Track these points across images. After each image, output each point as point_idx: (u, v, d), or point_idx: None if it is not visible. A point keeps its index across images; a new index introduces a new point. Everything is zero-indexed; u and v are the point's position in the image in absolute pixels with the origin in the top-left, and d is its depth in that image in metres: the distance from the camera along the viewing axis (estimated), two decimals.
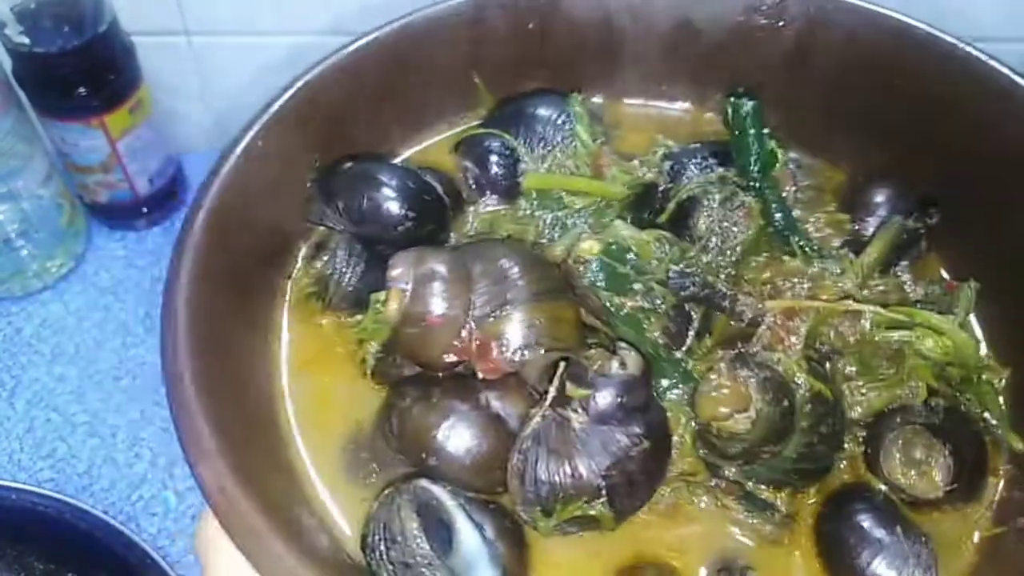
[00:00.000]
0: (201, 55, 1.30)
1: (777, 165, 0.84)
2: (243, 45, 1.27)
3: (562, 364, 0.71)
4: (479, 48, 1.00)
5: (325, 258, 0.86)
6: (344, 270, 0.85)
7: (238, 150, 0.84)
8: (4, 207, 1.02)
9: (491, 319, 0.71)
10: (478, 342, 0.71)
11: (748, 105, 0.84)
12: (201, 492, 0.63)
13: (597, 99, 1.07)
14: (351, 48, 0.93)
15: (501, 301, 0.72)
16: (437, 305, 0.71)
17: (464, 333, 0.71)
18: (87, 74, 1.03)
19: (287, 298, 0.87)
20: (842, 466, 0.79)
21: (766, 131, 0.88)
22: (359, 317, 0.84)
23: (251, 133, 0.85)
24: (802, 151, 1.00)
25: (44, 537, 0.88)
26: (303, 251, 0.90)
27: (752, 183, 0.83)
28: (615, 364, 0.71)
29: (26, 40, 0.98)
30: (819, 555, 0.75)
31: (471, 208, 0.92)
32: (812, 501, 0.77)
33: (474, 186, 0.93)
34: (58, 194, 1.09)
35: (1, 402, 1.06)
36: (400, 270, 0.73)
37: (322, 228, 0.89)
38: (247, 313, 0.82)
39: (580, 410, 0.69)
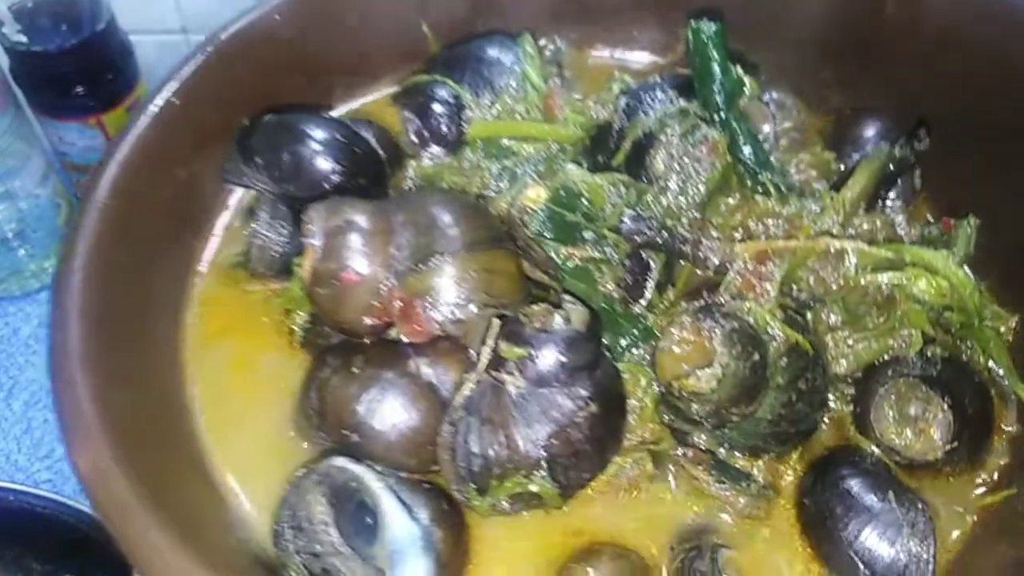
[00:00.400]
0: None
1: (746, 92, 0.74)
2: None
3: (496, 322, 0.62)
4: None
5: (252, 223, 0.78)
6: (268, 234, 0.76)
7: (151, 109, 0.77)
8: (1, 207, 1.00)
9: (415, 274, 0.63)
10: (400, 301, 0.63)
11: (711, 28, 0.74)
12: (74, 472, 0.56)
13: (560, 46, 0.98)
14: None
15: (427, 253, 0.63)
16: (351, 261, 0.63)
17: (384, 291, 0.63)
18: (85, 73, 1.00)
19: (203, 266, 0.79)
20: (828, 428, 0.70)
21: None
22: (286, 284, 0.76)
23: (165, 91, 0.78)
24: (783, 90, 0.91)
25: (42, 538, 0.85)
26: (226, 216, 0.82)
27: (717, 115, 0.74)
28: (558, 319, 0.62)
29: (24, 39, 0.96)
30: (802, 528, 0.66)
31: (412, 162, 0.83)
32: (794, 469, 0.68)
33: (415, 138, 0.85)
34: (55, 193, 1.06)
35: None
36: (311, 224, 0.64)
37: (253, 190, 0.81)
38: (156, 283, 0.74)
39: (517, 372, 0.60)
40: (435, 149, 0.84)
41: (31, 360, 1.04)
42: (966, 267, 0.75)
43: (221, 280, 0.78)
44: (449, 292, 0.63)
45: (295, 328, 0.74)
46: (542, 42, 0.96)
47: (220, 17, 1.17)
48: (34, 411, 0.99)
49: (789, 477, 0.68)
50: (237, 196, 0.84)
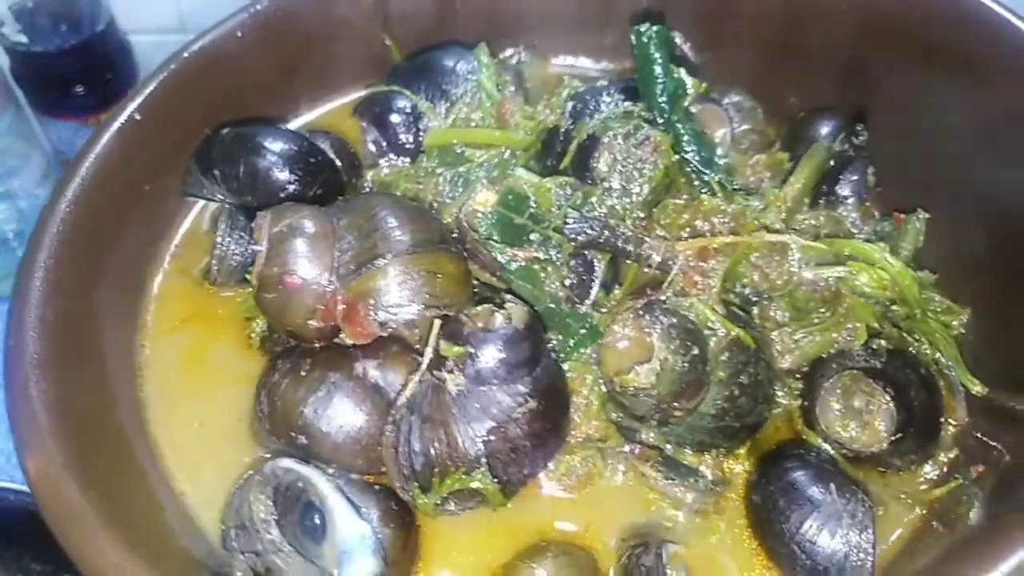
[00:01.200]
0: None
1: (689, 93, 0.75)
2: None
3: (437, 322, 0.63)
4: (386, 5, 0.94)
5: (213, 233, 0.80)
6: (228, 244, 0.78)
7: (113, 126, 0.79)
8: (1, 206, 1.01)
9: (358, 276, 0.64)
10: (344, 304, 0.64)
11: (651, 29, 0.75)
12: (24, 476, 0.57)
13: (523, 55, 1.00)
14: (245, 15, 0.88)
15: (371, 255, 0.64)
16: (295, 264, 0.64)
17: (328, 294, 0.64)
18: (84, 73, 1.03)
19: (163, 276, 0.80)
20: (778, 423, 0.71)
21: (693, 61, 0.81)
22: (243, 292, 0.77)
23: (129, 107, 0.80)
24: (742, 93, 0.92)
25: (42, 538, 0.85)
26: (187, 226, 0.83)
27: (661, 116, 0.75)
28: (499, 319, 0.63)
29: (24, 39, 0.99)
30: (750, 522, 0.66)
31: (370, 172, 0.84)
32: (744, 465, 0.69)
33: (374, 148, 0.86)
34: None
35: None
36: (258, 230, 0.66)
37: (213, 202, 0.83)
38: (115, 293, 0.76)
39: (457, 370, 0.61)
40: (393, 158, 0.85)
41: None
42: (913, 261, 0.75)
43: (182, 289, 0.80)
44: (392, 293, 0.64)
45: (255, 335, 0.75)
46: (508, 52, 0.98)
47: (218, 17, 1.20)
48: None
49: (738, 471, 0.69)
50: (199, 207, 0.85)
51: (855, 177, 0.82)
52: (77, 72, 1.02)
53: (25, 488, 0.85)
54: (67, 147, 1.09)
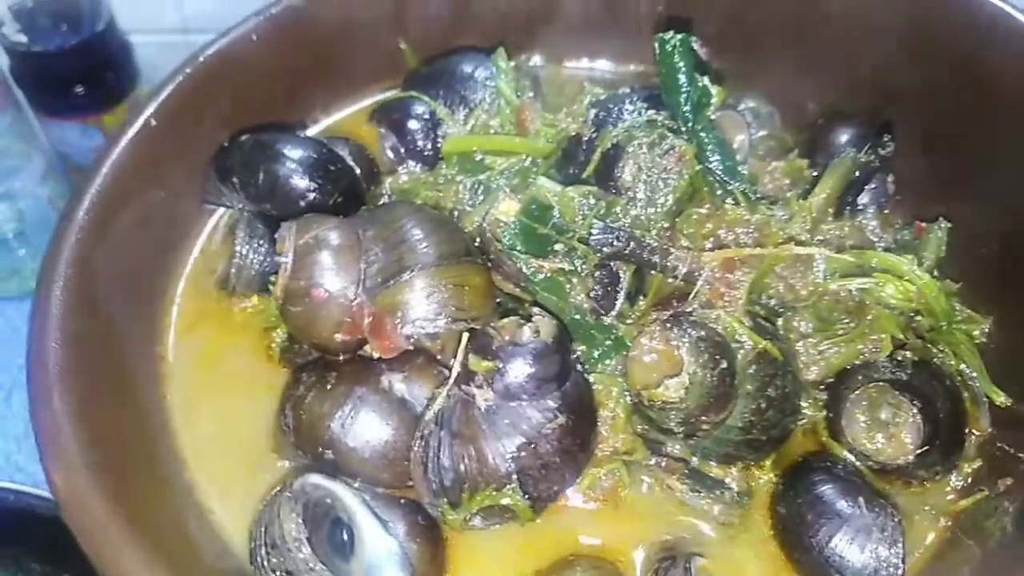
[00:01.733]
0: None
1: (713, 102, 0.74)
2: None
3: (465, 336, 0.63)
4: (403, 10, 0.93)
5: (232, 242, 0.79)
6: (246, 252, 0.77)
7: (129, 133, 0.78)
8: (1, 207, 1.01)
9: (385, 289, 0.64)
10: (371, 317, 0.63)
11: (676, 38, 0.75)
12: (51, 489, 0.57)
13: (538, 59, 0.99)
14: (259, 18, 0.87)
15: (397, 268, 0.64)
16: (321, 277, 0.63)
17: (355, 307, 0.64)
18: (85, 73, 1.02)
19: (184, 284, 0.80)
20: (803, 434, 0.70)
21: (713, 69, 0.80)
22: (263, 301, 0.77)
23: (144, 113, 0.79)
24: (760, 99, 0.92)
25: (42, 538, 0.86)
26: (206, 234, 0.83)
27: (684, 125, 0.74)
28: (527, 332, 0.63)
29: (24, 39, 0.98)
30: (776, 535, 0.66)
31: (388, 178, 0.84)
32: (768, 476, 0.69)
33: (392, 154, 0.86)
34: (56, 194, 1.07)
35: None
36: (283, 242, 0.65)
37: (232, 209, 0.82)
38: (136, 301, 0.75)
39: (485, 386, 0.61)
40: (412, 165, 0.85)
41: None
42: (935, 271, 0.75)
43: (201, 298, 0.79)
44: (419, 307, 0.63)
45: (275, 345, 0.75)
46: (522, 56, 0.98)
47: (220, 17, 1.20)
48: None
49: (763, 483, 0.68)
50: (218, 215, 0.84)
51: (874, 186, 0.82)
52: (77, 72, 1.01)
53: (25, 488, 0.85)
54: (67, 147, 1.08)
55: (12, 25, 0.98)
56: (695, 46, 0.92)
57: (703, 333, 0.64)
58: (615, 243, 0.68)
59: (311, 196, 0.76)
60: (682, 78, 0.74)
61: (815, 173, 0.83)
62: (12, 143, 0.99)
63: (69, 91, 1.01)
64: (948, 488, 0.68)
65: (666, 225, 0.71)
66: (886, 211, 0.82)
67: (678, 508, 0.67)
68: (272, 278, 0.69)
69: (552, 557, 0.65)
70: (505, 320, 0.64)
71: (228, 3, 1.19)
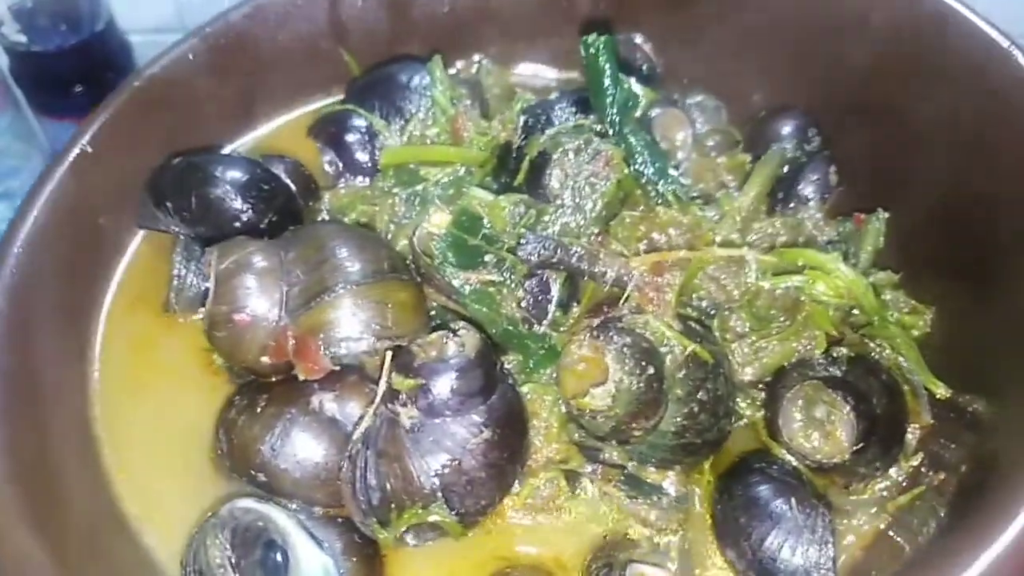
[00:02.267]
0: None
1: (640, 106, 0.74)
2: None
3: (388, 354, 0.62)
4: (342, 21, 0.93)
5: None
6: (184, 274, 0.77)
7: (65, 161, 0.78)
8: (1, 206, 1.01)
9: (308, 310, 0.64)
10: (294, 339, 0.63)
11: (599, 40, 0.74)
12: None
13: (484, 64, 0.99)
14: (195, 38, 0.87)
15: (320, 288, 0.64)
16: (243, 301, 0.63)
17: (278, 330, 0.64)
18: (84, 73, 1.02)
19: (120, 309, 0.79)
20: (744, 434, 0.70)
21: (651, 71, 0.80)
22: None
23: (80, 140, 0.80)
24: (706, 92, 0.91)
25: None
26: (142, 257, 0.83)
27: (612, 128, 0.74)
28: (452, 347, 0.62)
29: (23, 38, 0.98)
30: (714, 538, 0.66)
31: (328, 194, 0.84)
32: (708, 478, 0.68)
33: (330, 169, 0.85)
34: None
35: None
36: (207, 268, 0.65)
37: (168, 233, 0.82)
38: (72, 329, 0.76)
39: (410, 404, 0.60)
40: (351, 178, 0.85)
41: None
42: (876, 261, 0.75)
43: (140, 321, 0.79)
44: (343, 326, 0.63)
45: (217, 367, 0.75)
46: (466, 61, 0.98)
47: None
48: None
49: (702, 486, 0.68)
50: (155, 237, 0.84)
51: (816, 176, 0.81)
52: (77, 72, 1.02)
53: None
54: None
55: (12, 25, 0.99)
56: (638, 41, 0.93)
57: (629, 340, 0.64)
58: (542, 252, 0.67)
59: (245, 216, 0.76)
60: (607, 81, 0.74)
61: None
62: (11, 143, 1.00)
63: (68, 91, 1.02)
64: (888, 484, 0.67)
65: (596, 231, 0.71)
66: (829, 202, 0.81)
67: (616, 514, 0.67)
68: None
69: (491, 569, 0.65)
70: (431, 336, 0.64)
71: (227, 3, 1.20)
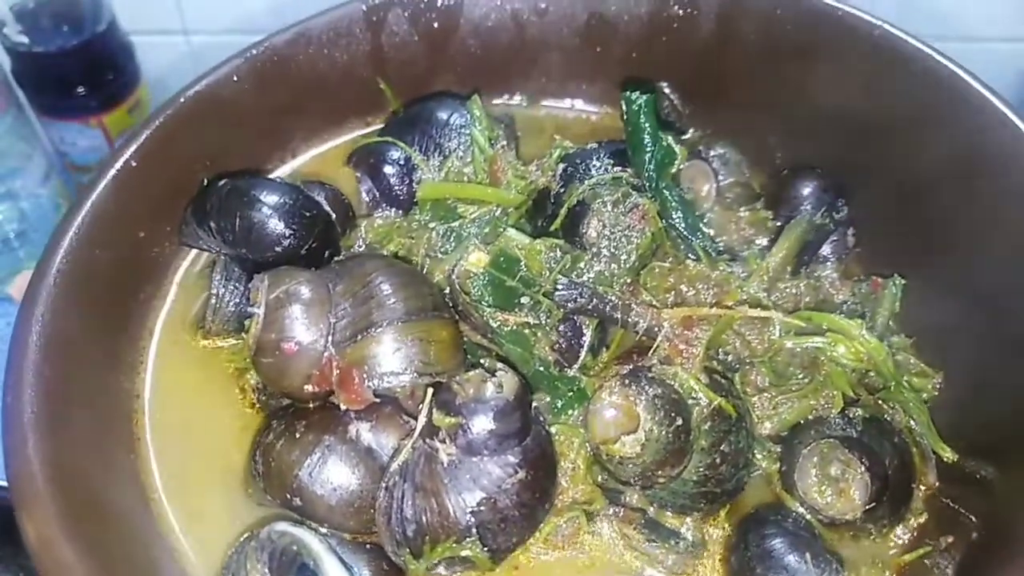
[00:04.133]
0: (200, 54, 1.28)
1: (676, 163, 0.77)
2: (241, 44, 1.26)
3: (430, 392, 0.65)
4: (381, 51, 0.96)
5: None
6: (222, 294, 0.79)
7: (109, 173, 0.80)
8: (3, 207, 1.02)
9: (353, 343, 0.66)
10: (338, 370, 0.65)
11: (641, 98, 0.77)
12: (23, 537, 0.58)
13: (516, 100, 1.02)
14: (240, 60, 0.89)
15: (366, 324, 0.66)
16: (291, 331, 0.65)
17: (323, 360, 0.66)
18: (86, 73, 1.03)
19: (160, 324, 0.81)
20: (758, 485, 0.73)
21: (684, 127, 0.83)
22: (237, 342, 0.79)
23: (125, 154, 0.81)
24: (729, 147, 0.94)
25: None
26: (182, 274, 0.85)
27: (648, 183, 0.77)
28: (490, 388, 0.65)
29: (25, 39, 0.99)
30: None
31: (364, 223, 0.86)
32: (723, 527, 0.71)
33: (368, 199, 0.88)
34: (57, 194, 1.08)
35: None
36: (255, 294, 0.67)
37: (208, 252, 0.84)
38: (112, 342, 0.77)
39: (449, 441, 0.63)
40: (386, 209, 0.87)
41: None
42: (888, 324, 0.78)
43: (176, 337, 0.81)
44: (386, 361, 0.65)
45: (248, 387, 0.77)
46: (504, 98, 1.00)
47: (220, 18, 1.22)
48: None
49: (718, 534, 0.71)
50: (194, 254, 0.86)
51: (835, 238, 0.84)
52: (78, 73, 1.02)
53: None
54: (68, 148, 1.09)
55: (14, 26, 0.99)
56: (665, 91, 0.96)
57: (660, 391, 0.66)
58: (578, 299, 0.70)
59: (286, 242, 0.78)
60: (647, 138, 0.77)
61: (778, 223, 0.85)
62: (13, 143, 1.00)
63: (70, 92, 1.03)
64: (894, 541, 0.70)
65: (628, 280, 0.74)
66: (845, 263, 0.85)
67: (633, 556, 0.69)
68: (247, 321, 0.71)
69: None
70: (470, 374, 0.66)
71: (228, 4, 1.21)
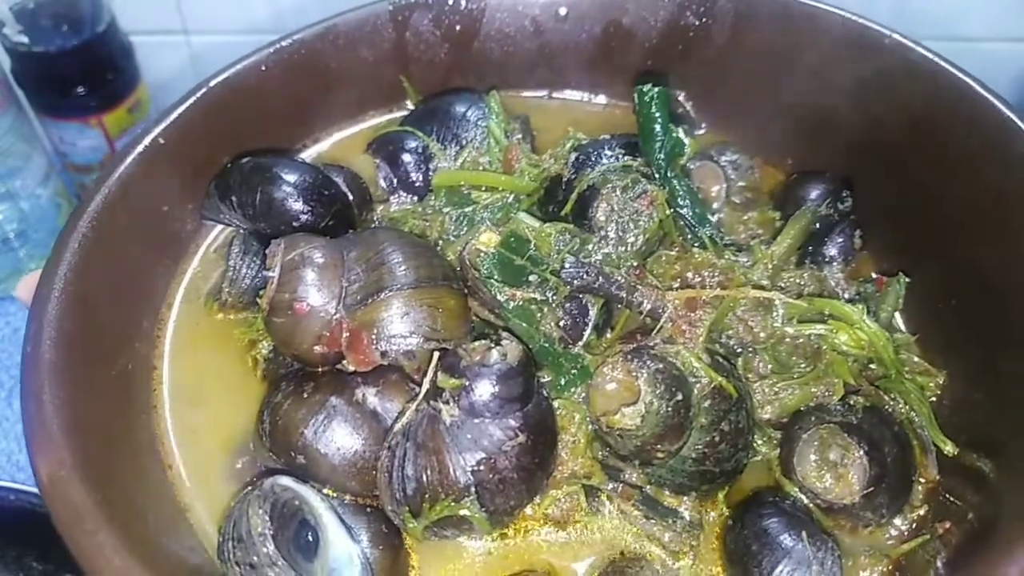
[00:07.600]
0: (200, 54, 1.31)
1: (686, 152, 0.79)
2: (242, 44, 1.30)
3: (436, 355, 0.66)
4: (405, 49, 0.99)
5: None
6: (239, 267, 0.81)
7: (138, 148, 0.83)
8: (3, 207, 1.03)
9: (363, 306, 0.67)
10: (348, 332, 0.67)
11: (653, 90, 0.80)
12: (35, 477, 0.60)
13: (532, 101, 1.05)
14: (269, 50, 0.92)
15: (376, 288, 0.68)
16: (304, 292, 0.67)
17: (334, 322, 0.67)
18: (86, 73, 1.04)
19: (179, 293, 0.84)
20: (757, 470, 0.73)
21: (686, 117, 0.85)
22: (251, 315, 0.81)
23: (155, 131, 0.84)
24: (741, 151, 0.96)
25: (42, 538, 0.87)
26: (202, 247, 0.87)
27: (658, 171, 0.79)
28: (495, 355, 0.66)
29: (25, 39, 1.00)
30: (723, 565, 0.69)
31: (380, 206, 0.88)
32: (720, 510, 0.72)
33: (385, 184, 0.90)
34: (56, 193, 1.09)
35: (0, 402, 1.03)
36: (271, 257, 0.69)
37: (229, 226, 0.86)
38: (131, 305, 0.79)
39: (452, 402, 0.64)
40: (403, 195, 0.89)
41: None
42: (894, 323, 0.79)
43: (192, 307, 0.83)
44: (394, 325, 0.67)
45: (259, 357, 0.79)
46: (518, 91, 1.03)
47: (219, 18, 1.23)
48: None
49: (716, 516, 0.71)
50: (216, 231, 0.89)
51: (841, 239, 0.85)
52: (78, 73, 1.03)
53: (26, 488, 0.87)
54: (68, 148, 1.09)
55: (14, 26, 1.00)
56: (681, 99, 0.99)
57: (661, 366, 0.67)
58: (585, 277, 0.72)
59: (304, 218, 0.80)
60: (657, 128, 0.79)
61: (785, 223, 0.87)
62: (13, 143, 1.01)
63: (70, 92, 1.03)
64: (892, 531, 0.70)
65: (635, 263, 0.75)
66: (852, 265, 0.86)
67: (630, 533, 0.70)
68: (261, 293, 0.73)
69: (507, 571, 0.68)
70: (476, 343, 0.68)
71: (227, 4, 1.23)
